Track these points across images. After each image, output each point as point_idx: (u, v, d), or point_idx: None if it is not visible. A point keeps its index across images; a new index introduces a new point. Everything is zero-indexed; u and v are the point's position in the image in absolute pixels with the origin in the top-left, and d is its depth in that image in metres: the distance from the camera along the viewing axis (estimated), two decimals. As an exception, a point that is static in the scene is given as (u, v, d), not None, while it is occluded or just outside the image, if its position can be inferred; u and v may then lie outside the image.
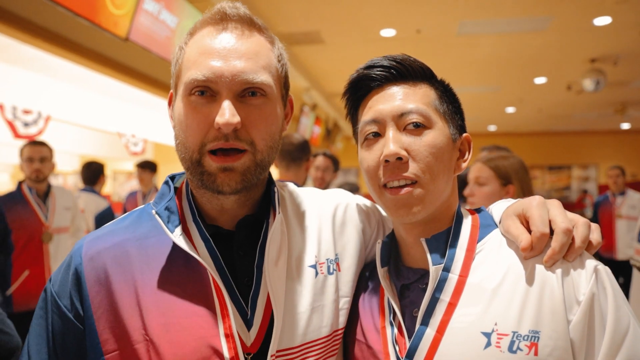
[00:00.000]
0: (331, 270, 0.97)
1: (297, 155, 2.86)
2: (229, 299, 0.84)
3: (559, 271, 0.81)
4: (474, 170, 2.24)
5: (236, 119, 0.82)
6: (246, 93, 0.85)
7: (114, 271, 0.86)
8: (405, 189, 0.88)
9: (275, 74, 0.91)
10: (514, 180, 2.17)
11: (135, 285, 0.85)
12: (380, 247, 0.98)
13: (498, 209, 0.97)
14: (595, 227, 0.86)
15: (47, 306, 0.89)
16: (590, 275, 0.80)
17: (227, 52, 0.84)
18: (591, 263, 0.81)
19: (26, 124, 6.43)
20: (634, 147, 13.34)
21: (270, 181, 0.99)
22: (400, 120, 0.90)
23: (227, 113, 0.81)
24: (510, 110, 10.89)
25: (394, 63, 0.93)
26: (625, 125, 13.00)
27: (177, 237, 0.85)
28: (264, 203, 0.96)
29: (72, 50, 3.79)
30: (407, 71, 0.93)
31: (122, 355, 0.83)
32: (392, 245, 1.00)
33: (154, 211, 0.88)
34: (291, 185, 1.09)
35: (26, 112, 6.38)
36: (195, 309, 0.84)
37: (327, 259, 0.98)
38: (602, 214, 5.93)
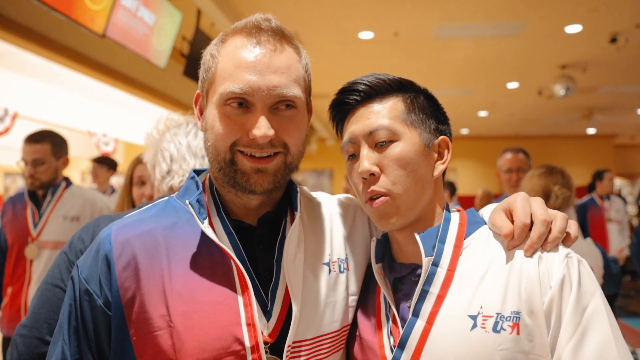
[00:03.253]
0: (342, 269, 1.03)
1: None
2: (252, 290, 0.89)
3: (537, 259, 0.87)
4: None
5: (271, 132, 0.88)
6: (279, 105, 0.91)
7: (142, 258, 0.90)
8: (379, 200, 0.95)
9: (304, 85, 0.97)
10: None
11: (162, 273, 0.89)
12: (375, 245, 1.04)
13: (489, 209, 1.03)
14: (573, 222, 0.94)
15: (75, 293, 0.92)
16: (562, 262, 0.86)
17: (262, 66, 0.89)
18: (564, 252, 0.88)
19: (-8, 121, 6.20)
20: (598, 151, 13.77)
21: (290, 182, 1.04)
22: (369, 138, 0.97)
23: (263, 127, 0.88)
24: (483, 114, 11.09)
25: (362, 86, 1.01)
26: (591, 130, 13.41)
27: (206, 228, 0.89)
28: (282, 202, 1.02)
29: (46, 46, 3.66)
30: (374, 91, 1.01)
31: (148, 339, 0.87)
32: (386, 243, 1.06)
33: (187, 201, 0.92)
34: (305, 189, 1.15)
35: (-8, 108, 6.14)
36: (219, 298, 0.89)
37: (339, 258, 1.04)
38: (592, 218, 5.85)
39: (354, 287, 1.04)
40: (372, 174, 0.95)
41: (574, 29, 5.74)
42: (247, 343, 0.86)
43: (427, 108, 1.02)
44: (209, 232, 0.89)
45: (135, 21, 3.76)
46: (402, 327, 0.93)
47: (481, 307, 0.87)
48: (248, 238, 0.97)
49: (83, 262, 0.94)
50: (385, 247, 1.06)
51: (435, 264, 0.94)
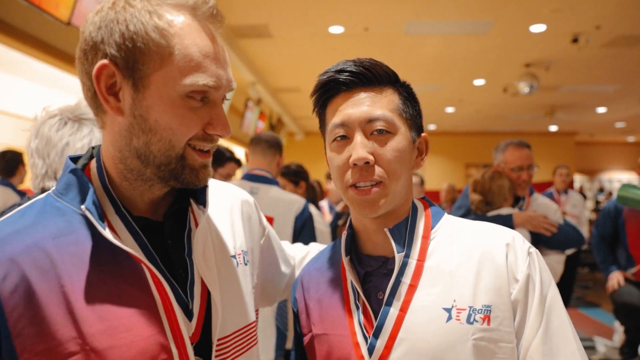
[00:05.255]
0: (245, 262, 1.03)
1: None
2: (171, 293, 0.83)
3: (504, 255, 0.96)
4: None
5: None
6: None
7: (36, 279, 0.75)
8: (373, 190, 0.96)
9: None
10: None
11: (63, 291, 0.76)
12: (345, 238, 1.07)
13: None
14: None
15: None
16: (526, 260, 0.96)
17: (223, 59, 0.86)
18: (526, 246, 0.98)
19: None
20: (559, 147, 14.23)
21: None
22: (367, 125, 0.97)
23: (226, 124, 0.87)
24: (450, 110, 11.29)
25: (362, 69, 0.99)
26: (553, 128, 13.83)
27: (108, 234, 0.78)
28: (182, 190, 0.95)
29: (7, 33, 3.53)
30: (373, 77, 1.00)
31: None
32: (352, 235, 1.09)
33: (83, 207, 0.80)
34: None
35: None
36: (136, 309, 0.80)
37: (243, 251, 1.04)
38: None
39: (255, 280, 1.06)
40: (367, 162, 0.95)
41: (538, 28, 5.91)
42: (175, 350, 0.81)
43: (416, 104, 1.05)
44: (112, 237, 0.78)
45: (102, 10, 3.67)
46: (375, 318, 0.96)
47: (454, 301, 0.93)
48: (155, 235, 0.88)
49: None
50: (352, 240, 1.08)
51: (407, 255, 0.98)
